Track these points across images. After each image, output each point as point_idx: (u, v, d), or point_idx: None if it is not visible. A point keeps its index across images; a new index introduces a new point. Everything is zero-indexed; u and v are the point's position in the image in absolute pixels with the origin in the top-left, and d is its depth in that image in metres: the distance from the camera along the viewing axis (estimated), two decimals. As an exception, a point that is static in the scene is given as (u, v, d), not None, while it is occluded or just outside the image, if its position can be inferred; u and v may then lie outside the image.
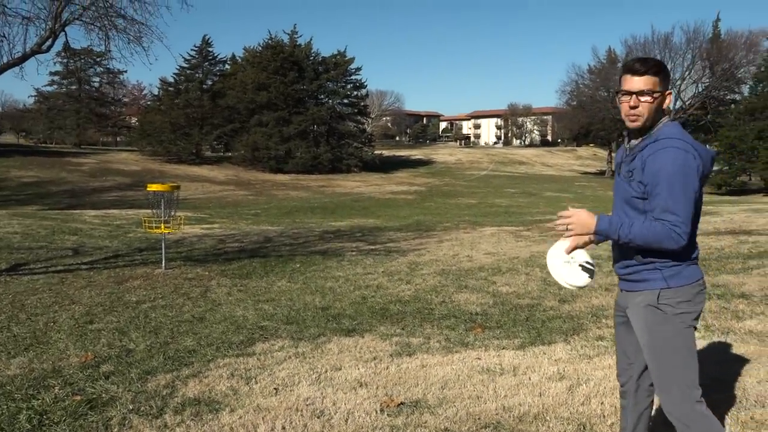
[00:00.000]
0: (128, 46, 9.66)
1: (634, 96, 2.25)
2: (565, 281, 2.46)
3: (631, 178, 2.29)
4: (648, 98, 2.24)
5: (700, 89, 59.77)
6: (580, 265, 2.46)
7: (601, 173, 65.41)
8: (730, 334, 4.75)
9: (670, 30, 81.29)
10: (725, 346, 4.38)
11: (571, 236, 2.37)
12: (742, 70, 58.57)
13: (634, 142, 2.36)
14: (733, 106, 56.13)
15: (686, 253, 2.25)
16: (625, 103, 2.29)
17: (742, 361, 4.03)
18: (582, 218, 2.28)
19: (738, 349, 4.32)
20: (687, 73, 60.46)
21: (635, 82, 2.26)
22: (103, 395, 3.82)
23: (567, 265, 2.46)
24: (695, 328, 2.31)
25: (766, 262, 8.01)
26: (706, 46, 59.60)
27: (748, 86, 55.08)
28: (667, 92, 2.29)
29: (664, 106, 2.30)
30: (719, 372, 3.67)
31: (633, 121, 2.28)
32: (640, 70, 2.26)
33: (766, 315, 5.31)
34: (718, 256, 8.54)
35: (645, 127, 2.29)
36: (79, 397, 3.77)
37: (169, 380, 4.10)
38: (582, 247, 2.48)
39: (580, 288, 2.48)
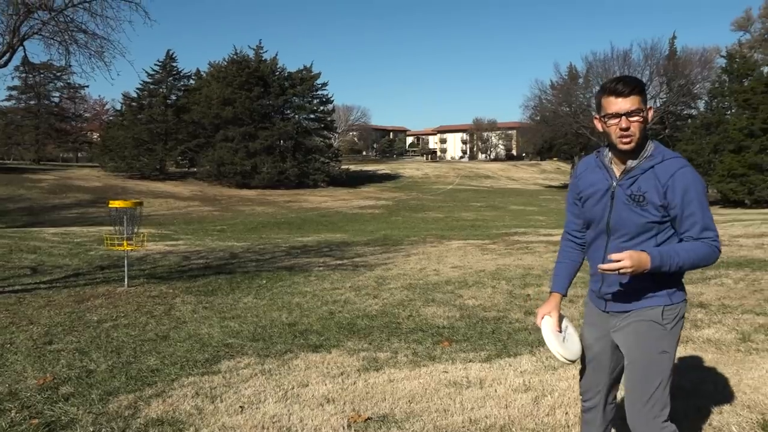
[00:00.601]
0: (89, 60, 9.51)
1: (623, 117, 2.21)
2: (562, 356, 2.43)
3: (642, 203, 2.23)
4: (638, 117, 2.22)
5: (658, 104, 61.47)
6: (572, 340, 2.49)
7: (565, 186, 66.54)
8: (689, 343, 4.87)
9: (629, 47, 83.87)
10: (685, 355, 4.49)
11: (625, 273, 2.18)
12: (697, 86, 60.55)
13: (631, 163, 2.29)
14: (689, 120, 57.80)
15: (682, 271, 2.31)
16: (614, 126, 2.23)
17: (700, 368, 4.14)
18: (636, 259, 2.13)
19: (697, 357, 4.43)
20: (645, 88, 62.07)
21: (622, 104, 2.21)
22: (62, 418, 3.71)
23: (561, 338, 2.46)
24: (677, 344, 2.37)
25: (722, 272, 8.24)
26: (663, 63, 61.47)
27: (703, 102, 56.87)
28: (649, 108, 2.29)
29: (649, 121, 2.30)
30: (679, 380, 3.76)
31: (627, 143, 2.23)
32: (624, 92, 2.22)
33: (722, 324, 5.46)
34: (677, 267, 8.75)
35: (639, 146, 2.26)
36: (36, 421, 3.66)
37: (131, 401, 4.01)
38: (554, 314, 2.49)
39: (573, 362, 2.48)
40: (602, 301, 2.43)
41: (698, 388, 3.75)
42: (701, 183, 2.24)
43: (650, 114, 2.28)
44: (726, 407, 3.40)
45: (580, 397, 2.65)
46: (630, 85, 2.23)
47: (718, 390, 3.68)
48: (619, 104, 2.22)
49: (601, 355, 2.48)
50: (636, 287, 2.30)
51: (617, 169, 2.32)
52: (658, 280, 2.27)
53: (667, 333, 2.28)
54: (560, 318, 2.51)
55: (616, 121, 2.23)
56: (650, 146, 2.29)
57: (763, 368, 4.04)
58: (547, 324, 2.46)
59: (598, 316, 2.47)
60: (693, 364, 4.26)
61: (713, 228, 2.23)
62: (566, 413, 3.45)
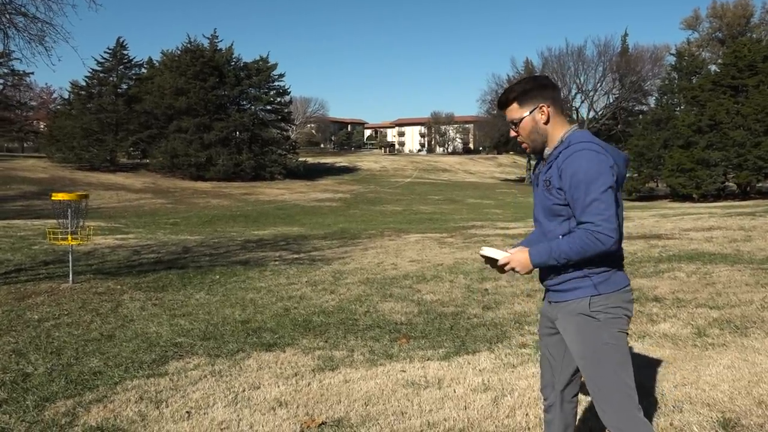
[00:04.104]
0: (29, 45, 9.00)
1: (512, 127, 2.36)
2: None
3: (549, 187, 2.26)
4: (517, 127, 2.34)
5: (611, 100, 62.87)
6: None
7: (521, 180, 67.47)
8: (646, 338, 4.87)
9: (583, 43, 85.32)
10: (642, 351, 4.47)
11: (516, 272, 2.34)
12: (648, 82, 62.18)
13: (547, 151, 2.34)
14: (641, 116, 59.26)
15: (614, 259, 2.25)
16: (513, 133, 2.40)
17: (658, 365, 4.12)
18: (519, 259, 2.29)
19: (654, 353, 4.42)
20: (599, 84, 63.43)
21: (507, 115, 2.37)
22: (-7, 427, 3.45)
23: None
24: (627, 334, 2.29)
25: (675, 265, 8.37)
26: (615, 59, 62.85)
27: (654, 98, 58.40)
28: (539, 106, 2.29)
29: (542, 120, 2.30)
30: (638, 377, 3.71)
31: (526, 147, 2.38)
32: (502, 105, 2.38)
33: (678, 318, 5.50)
34: (631, 260, 8.85)
35: (538, 146, 2.34)
36: (-37, 431, 3.38)
37: (69, 407, 3.76)
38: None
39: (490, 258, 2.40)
40: (545, 292, 2.44)
41: (657, 386, 3.71)
42: (594, 167, 2.14)
43: (543, 111, 2.30)
44: (686, 406, 3.37)
45: (541, 395, 2.58)
46: (502, 98, 2.38)
47: (677, 387, 3.65)
48: (507, 115, 2.38)
49: (551, 348, 2.47)
50: (561, 278, 2.29)
51: (545, 157, 2.38)
52: (583, 270, 2.23)
53: (602, 324, 2.22)
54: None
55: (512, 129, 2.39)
56: (568, 134, 2.29)
57: (720, 364, 4.04)
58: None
59: (546, 307, 2.46)
60: (651, 360, 4.24)
61: (598, 214, 2.12)
62: (526, 414, 3.36)
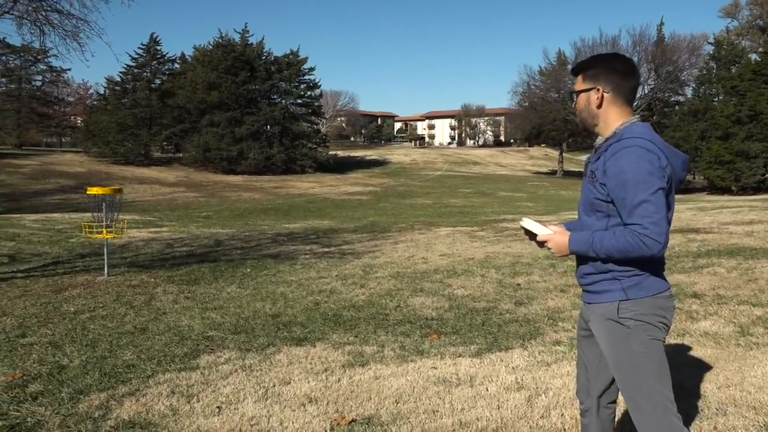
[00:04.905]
0: (64, 42, 9.14)
1: (572, 95, 2.31)
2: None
3: (594, 179, 2.16)
4: (576, 98, 2.27)
5: (646, 91, 61.48)
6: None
7: (553, 173, 66.61)
8: (686, 336, 4.71)
9: (617, 33, 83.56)
10: (683, 349, 4.33)
11: (553, 252, 2.27)
12: (685, 72, 60.58)
13: (599, 140, 2.24)
14: (677, 107, 57.89)
15: (650, 262, 2.11)
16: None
17: (700, 365, 3.98)
18: (557, 241, 2.22)
19: (695, 352, 4.27)
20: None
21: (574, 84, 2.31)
22: (29, 419, 3.49)
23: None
24: (662, 341, 2.16)
25: (715, 260, 8.12)
26: (651, 49, 61.37)
27: (691, 88, 56.95)
28: (596, 88, 2.20)
29: (595, 102, 2.20)
30: (679, 378, 3.58)
31: (578, 121, 2.32)
32: (573, 72, 2.33)
33: (719, 315, 5.32)
34: (668, 255, 8.62)
35: (588, 126, 2.26)
36: (0, 423, 3.43)
37: (103, 400, 3.79)
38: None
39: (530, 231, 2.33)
40: (582, 292, 2.34)
41: (699, 388, 3.58)
42: (635, 165, 2.02)
43: (598, 94, 2.20)
44: (731, 409, 3.23)
45: (577, 398, 2.48)
46: (573, 69, 2.32)
47: (721, 389, 3.51)
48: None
49: (586, 351, 2.37)
50: (593, 277, 2.19)
51: (596, 148, 2.29)
52: (614, 272, 2.12)
53: (631, 331, 2.10)
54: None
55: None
56: (623, 126, 2.16)
57: (767, 365, 3.88)
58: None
59: (582, 307, 2.36)
60: (692, 360, 4.09)
61: (647, 216, 1.99)
62: (562, 415, 3.27)
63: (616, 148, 2.10)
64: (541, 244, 2.27)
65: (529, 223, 2.30)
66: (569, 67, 64.95)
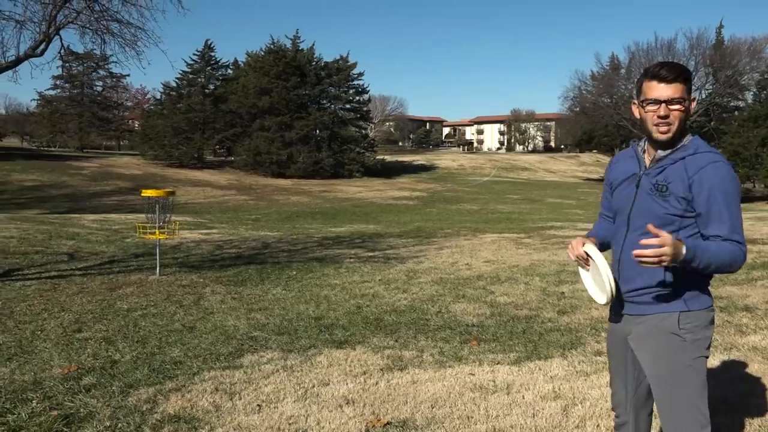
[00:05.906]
0: (123, 50, 9.56)
1: (663, 105, 2.07)
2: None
3: (665, 193, 2.09)
4: (679, 106, 2.08)
5: (704, 96, 59.57)
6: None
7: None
8: (733, 350, 4.59)
9: (674, 36, 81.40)
10: (729, 364, 4.22)
11: (663, 262, 1.94)
12: (745, 77, 58.39)
13: (661, 152, 2.16)
14: (736, 113, 55.92)
15: (709, 275, 2.11)
16: (652, 113, 2.10)
17: (746, 380, 3.88)
18: (674, 244, 1.91)
19: (742, 367, 4.17)
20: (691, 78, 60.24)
21: (663, 90, 2.07)
22: (81, 410, 3.68)
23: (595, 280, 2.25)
24: (707, 357, 2.14)
25: (770, 273, 7.85)
26: (709, 53, 59.42)
27: (751, 93, 54.94)
28: (692, 99, 2.15)
29: (691, 112, 2.15)
30: (723, 392, 3.52)
31: (664, 132, 2.09)
32: (668, 77, 2.07)
33: (770, 329, 5.15)
34: (721, 267, 8.38)
35: (675, 138, 2.12)
36: (56, 413, 3.63)
37: (151, 394, 3.96)
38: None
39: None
40: (619, 303, 2.25)
41: (744, 402, 3.49)
42: (733, 181, 2.05)
43: (693, 105, 2.13)
44: (775, 425, 3.16)
45: (612, 411, 2.46)
46: (675, 71, 2.09)
47: (766, 406, 3.42)
48: (660, 90, 2.08)
49: (624, 366, 2.30)
50: (651, 287, 2.12)
51: (648, 159, 2.20)
52: (676, 282, 2.08)
53: (688, 345, 2.07)
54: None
55: (655, 107, 2.09)
56: (687, 138, 2.14)
57: (815, 382, 3.76)
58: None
59: (616, 317, 2.29)
60: (738, 374, 3.99)
61: (741, 232, 2.04)
62: (597, 425, 3.25)
63: (700, 162, 2.06)
64: (586, 261, 2.22)
65: (592, 250, 2.19)
66: (623, 71, 63.79)
